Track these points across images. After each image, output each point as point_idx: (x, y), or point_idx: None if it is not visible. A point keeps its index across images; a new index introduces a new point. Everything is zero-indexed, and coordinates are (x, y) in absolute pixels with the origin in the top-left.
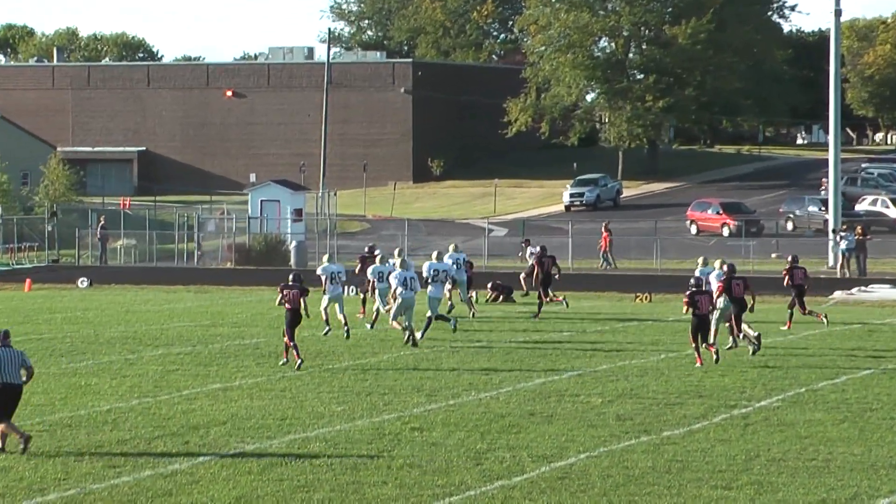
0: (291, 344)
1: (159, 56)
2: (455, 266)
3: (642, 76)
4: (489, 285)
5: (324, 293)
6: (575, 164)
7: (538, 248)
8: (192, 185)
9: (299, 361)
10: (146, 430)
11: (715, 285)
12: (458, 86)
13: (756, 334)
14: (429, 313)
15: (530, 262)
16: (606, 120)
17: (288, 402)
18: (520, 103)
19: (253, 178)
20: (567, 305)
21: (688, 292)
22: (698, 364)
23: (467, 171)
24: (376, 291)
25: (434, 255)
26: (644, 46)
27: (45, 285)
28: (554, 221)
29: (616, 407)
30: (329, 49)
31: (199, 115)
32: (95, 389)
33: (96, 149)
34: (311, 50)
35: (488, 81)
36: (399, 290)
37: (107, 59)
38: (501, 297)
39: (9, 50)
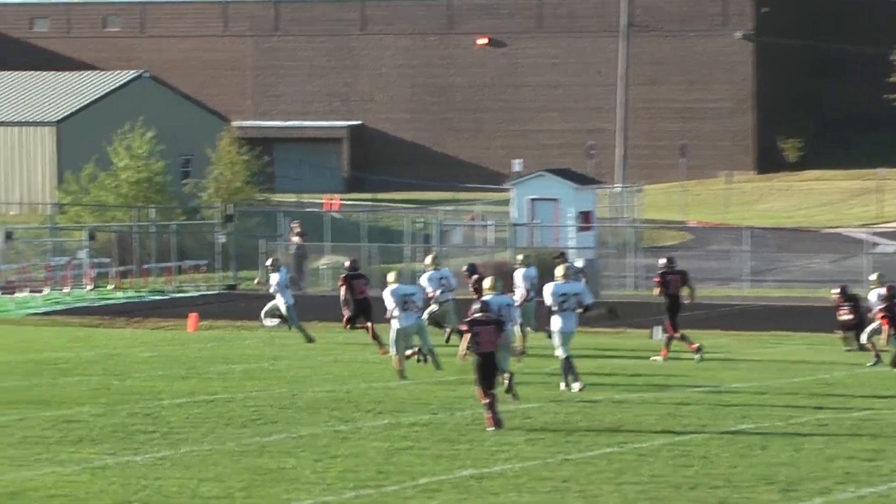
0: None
1: None
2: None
3: None
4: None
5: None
6: None
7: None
8: (428, 177)
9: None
10: None
11: None
12: (822, 29)
13: None
14: (559, 353)
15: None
16: None
17: (573, 499)
18: None
19: (517, 165)
20: None
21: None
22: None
23: (837, 156)
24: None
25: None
26: None
27: (218, 322)
28: None
29: None
30: None
31: (438, 73)
32: (292, 475)
33: (288, 123)
34: None
35: (868, 22)
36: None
37: None
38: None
39: None
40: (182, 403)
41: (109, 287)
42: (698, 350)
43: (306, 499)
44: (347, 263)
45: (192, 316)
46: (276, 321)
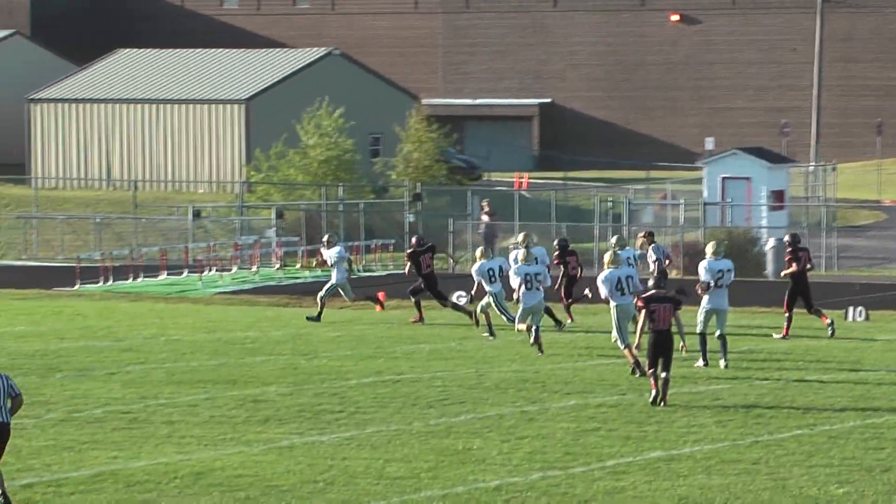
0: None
1: None
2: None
3: None
4: None
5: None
6: None
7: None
8: (619, 155)
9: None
10: None
11: None
12: None
13: None
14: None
15: None
16: None
17: (763, 481)
18: None
19: (709, 143)
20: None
21: None
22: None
23: None
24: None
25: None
26: None
27: (405, 302)
28: None
29: None
30: None
31: (630, 50)
32: (479, 457)
33: (477, 101)
34: None
35: None
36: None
37: None
38: None
39: None
40: (369, 383)
41: (297, 266)
42: (831, 325)
43: (492, 480)
44: (414, 240)
45: (380, 295)
46: (464, 296)
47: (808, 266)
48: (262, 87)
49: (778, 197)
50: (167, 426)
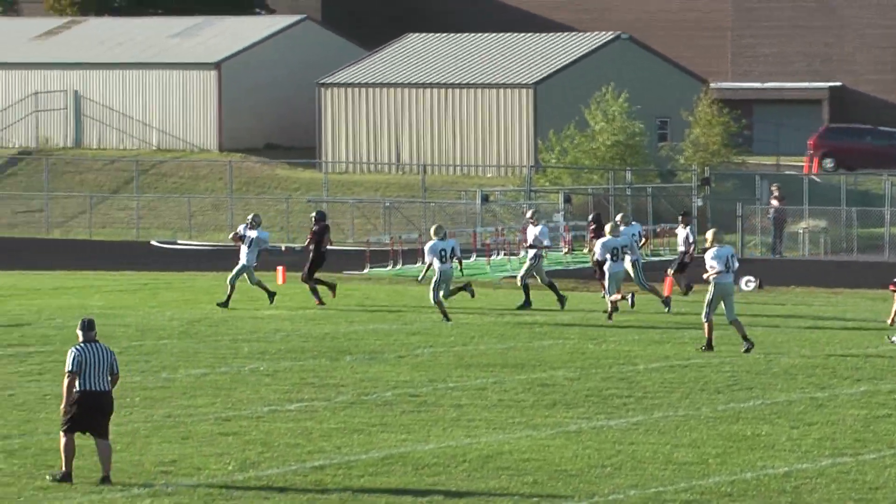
0: None
1: None
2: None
3: None
4: None
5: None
6: None
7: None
8: None
9: None
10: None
11: None
12: None
13: None
14: None
15: None
16: None
17: None
18: None
19: None
20: None
21: None
22: None
23: None
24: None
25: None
26: None
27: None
28: None
29: None
30: None
31: None
32: (767, 442)
33: (766, 85)
34: None
35: None
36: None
37: None
38: None
39: None
40: (657, 368)
41: (585, 250)
42: None
43: (781, 466)
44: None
45: (667, 280)
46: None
47: None
48: (551, 72)
49: None
50: (455, 409)
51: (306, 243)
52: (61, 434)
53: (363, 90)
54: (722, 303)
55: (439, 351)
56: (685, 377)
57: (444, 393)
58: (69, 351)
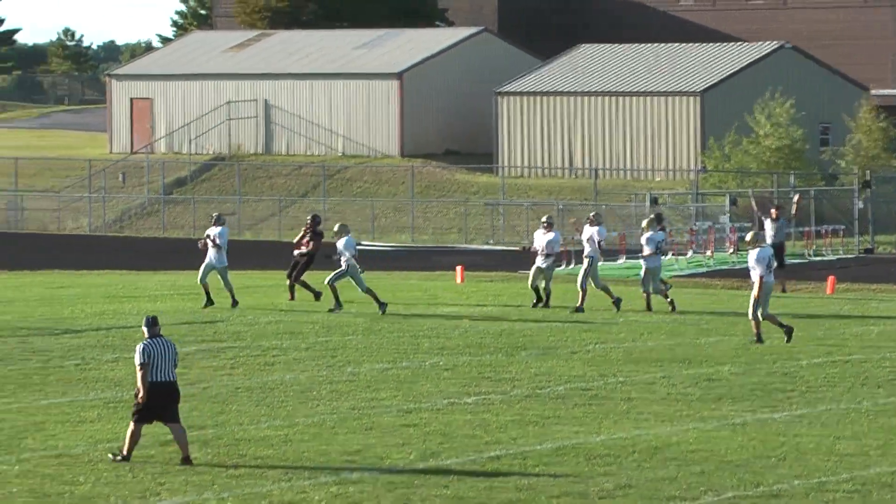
0: None
1: None
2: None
3: None
4: None
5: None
6: None
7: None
8: None
9: None
10: None
11: None
12: None
13: None
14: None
15: None
16: None
17: None
18: None
19: None
20: None
21: None
22: None
23: None
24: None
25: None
26: None
27: (855, 285)
28: None
29: None
30: None
31: None
32: None
33: None
34: None
35: None
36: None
37: None
38: None
39: None
40: (819, 363)
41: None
42: None
43: None
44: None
45: (830, 279)
46: None
47: None
48: (717, 80)
49: None
50: (626, 403)
51: (311, 247)
52: (131, 423)
53: (538, 98)
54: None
55: (610, 347)
56: (846, 372)
57: (614, 387)
58: (137, 347)
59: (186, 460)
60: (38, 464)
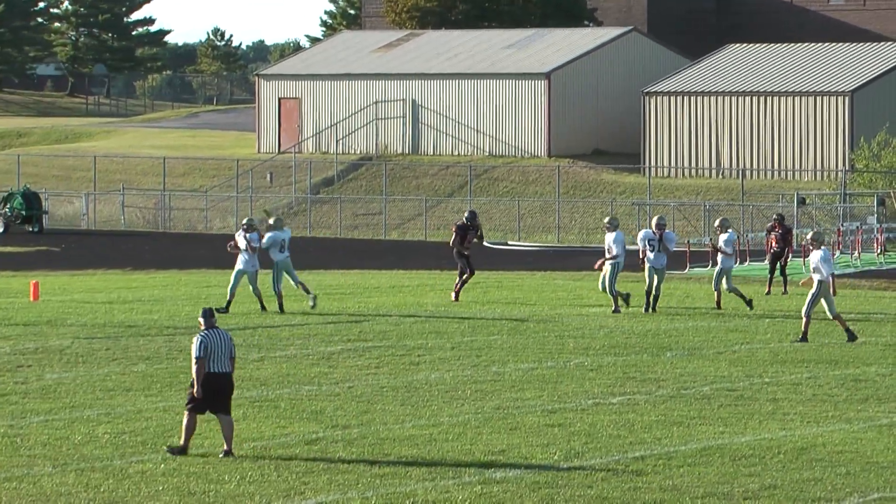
0: None
1: None
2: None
3: None
4: None
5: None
6: None
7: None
8: None
9: None
10: None
11: None
12: None
13: None
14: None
15: None
16: None
17: None
18: None
19: None
20: None
21: None
22: None
23: None
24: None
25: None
26: None
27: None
28: None
29: None
30: None
31: None
32: None
33: None
34: None
35: None
36: None
37: None
38: None
39: None
40: None
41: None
42: None
43: None
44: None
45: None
46: None
47: None
48: (867, 80)
49: None
50: (771, 403)
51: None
52: (185, 413)
53: (686, 98)
54: (823, 300)
55: (756, 347)
56: None
57: (760, 388)
58: (194, 338)
59: (228, 453)
60: (184, 462)
